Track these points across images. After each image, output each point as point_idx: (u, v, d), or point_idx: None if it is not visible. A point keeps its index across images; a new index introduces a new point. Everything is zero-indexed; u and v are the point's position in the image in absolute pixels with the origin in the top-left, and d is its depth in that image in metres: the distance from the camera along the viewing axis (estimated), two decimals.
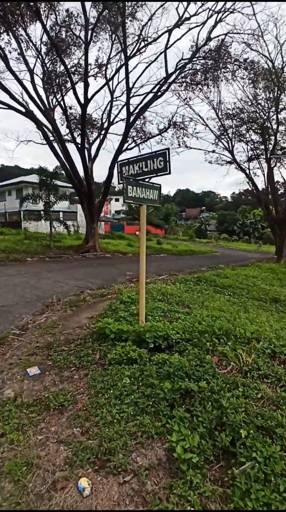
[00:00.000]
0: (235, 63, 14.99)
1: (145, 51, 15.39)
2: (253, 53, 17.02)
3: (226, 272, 10.65)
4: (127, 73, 13.83)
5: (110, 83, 17.34)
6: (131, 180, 3.63)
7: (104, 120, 18.55)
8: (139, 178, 3.77)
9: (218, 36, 14.05)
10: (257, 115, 21.44)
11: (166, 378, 2.80)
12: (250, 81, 20.28)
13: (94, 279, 9.12)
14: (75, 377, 3.15)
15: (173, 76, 14.59)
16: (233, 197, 78.84)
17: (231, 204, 78.17)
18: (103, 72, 17.14)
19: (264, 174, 25.09)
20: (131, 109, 15.15)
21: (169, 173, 3.54)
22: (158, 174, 3.68)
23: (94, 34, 14.50)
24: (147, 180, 3.86)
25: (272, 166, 23.67)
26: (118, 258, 15.82)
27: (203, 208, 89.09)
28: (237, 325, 3.86)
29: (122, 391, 2.71)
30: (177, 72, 14.73)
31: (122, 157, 17.84)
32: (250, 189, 28.67)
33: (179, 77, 15.02)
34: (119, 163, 4.08)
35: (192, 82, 15.29)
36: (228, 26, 14.47)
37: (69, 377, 3.16)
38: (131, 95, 15.01)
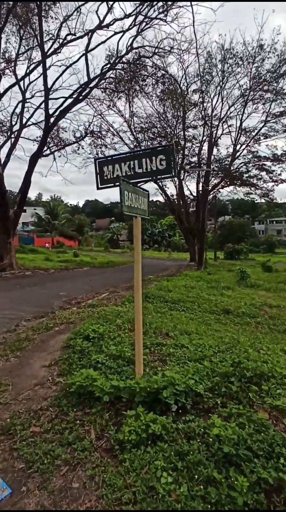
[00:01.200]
0: (153, 76, 15.27)
1: (60, 52, 14.15)
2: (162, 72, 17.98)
3: (164, 284, 10.34)
4: (45, 70, 12.41)
5: (21, 82, 15.47)
6: (128, 184, 2.69)
7: (13, 123, 16.40)
8: (131, 182, 2.86)
9: (137, 48, 14.00)
10: (166, 131, 22.64)
11: (226, 463, 1.96)
12: (158, 99, 21.38)
13: (25, 305, 7.45)
14: (75, 489, 1.98)
15: (95, 81, 13.85)
16: None
17: None
18: (12, 68, 15.14)
19: (175, 187, 26.73)
20: (50, 111, 13.69)
21: (174, 175, 2.77)
22: (157, 177, 2.86)
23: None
24: (139, 185, 2.99)
25: (181, 179, 25.34)
26: (41, 275, 13.88)
27: (112, 218, 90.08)
28: (253, 358, 3.28)
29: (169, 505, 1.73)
30: (98, 78, 14.06)
31: (42, 162, 16.00)
32: (163, 200, 30.19)
33: (101, 82, 14.38)
34: (98, 161, 3.05)
35: (115, 90, 14.86)
36: (146, 43, 14.62)
37: (65, 490, 1.98)
38: (49, 96, 13.58)
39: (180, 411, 2.52)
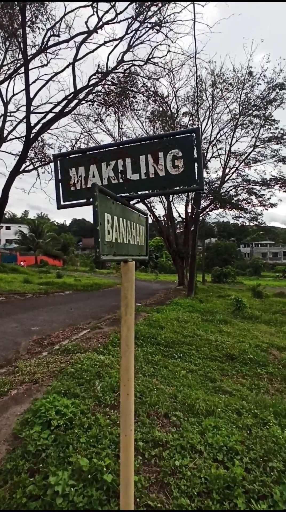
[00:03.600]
0: (143, 94, 14.64)
1: (48, 63, 13.35)
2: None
3: (155, 317, 9.01)
4: (27, 77, 11.42)
5: (4, 94, 14.47)
6: (112, 200, 1.46)
7: None
8: (118, 197, 1.61)
9: (128, 61, 13.35)
10: None
11: None
12: (148, 120, 21.00)
13: None
14: None
15: (83, 93, 12.98)
16: None
17: None
18: None
19: (164, 207, 26.02)
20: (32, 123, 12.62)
21: (202, 188, 1.57)
22: (168, 190, 1.65)
23: None
24: (133, 203, 1.77)
25: (170, 200, 24.70)
26: (15, 302, 12.26)
27: None
28: None
29: None
30: (86, 91, 13.23)
31: (27, 179, 14.77)
32: (151, 221, 29.38)
33: (89, 96, 13.54)
34: (60, 159, 1.80)
35: (104, 103, 14.03)
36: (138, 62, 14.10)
37: None
38: (32, 109, 12.57)
39: None
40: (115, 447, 2.51)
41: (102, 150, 1.70)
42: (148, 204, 24.42)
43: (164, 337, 6.78)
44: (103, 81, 13.25)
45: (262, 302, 16.94)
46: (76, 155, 1.79)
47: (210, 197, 22.76)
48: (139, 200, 1.87)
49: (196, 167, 1.56)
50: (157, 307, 11.51)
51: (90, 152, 1.73)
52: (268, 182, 22.68)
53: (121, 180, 1.67)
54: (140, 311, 10.37)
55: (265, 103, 21.13)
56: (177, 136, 1.59)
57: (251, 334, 8.22)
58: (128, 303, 1.69)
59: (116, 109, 15.80)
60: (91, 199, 1.34)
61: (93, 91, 13.54)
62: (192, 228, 21.09)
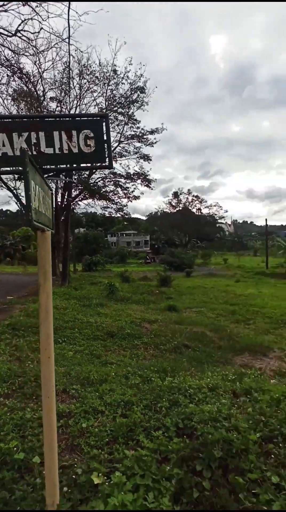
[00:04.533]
0: (9, 68, 13.15)
1: None
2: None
3: (32, 307, 8.62)
4: None
5: None
6: (37, 171, 1.46)
7: None
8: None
9: None
10: None
11: None
12: (11, 98, 19.03)
13: None
14: None
15: None
16: None
17: None
18: None
19: None
20: None
21: (111, 167, 1.75)
22: (80, 165, 1.76)
23: None
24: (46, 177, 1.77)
25: None
26: None
27: None
28: (202, 417, 2.53)
29: None
30: None
31: None
32: (18, 209, 26.88)
33: None
34: None
35: None
36: None
37: None
38: None
39: None
40: (19, 430, 2.46)
41: (16, 120, 1.64)
42: (15, 191, 22.23)
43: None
44: None
45: (130, 286, 18.65)
46: None
47: (80, 187, 22.90)
48: (53, 173, 1.89)
49: (105, 148, 1.76)
50: (32, 298, 10.93)
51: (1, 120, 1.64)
52: (132, 176, 24.75)
53: (35, 153, 1.68)
54: (13, 303, 9.60)
55: (128, 102, 22.75)
56: (89, 118, 1.74)
57: (126, 313, 9.06)
58: (46, 271, 1.75)
59: None
60: (22, 167, 1.33)
61: None
62: (63, 218, 20.73)
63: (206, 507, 1.76)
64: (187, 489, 1.85)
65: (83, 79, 21.01)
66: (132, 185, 25.88)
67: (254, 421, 2.37)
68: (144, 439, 2.32)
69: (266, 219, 39.65)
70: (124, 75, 22.30)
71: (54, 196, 21.29)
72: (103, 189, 24.97)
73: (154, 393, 3.14)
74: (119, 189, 25.31)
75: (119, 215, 29.93)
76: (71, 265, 32.40)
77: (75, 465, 2.14)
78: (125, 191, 25.42)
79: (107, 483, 1.86)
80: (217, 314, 9.90)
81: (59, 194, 22.19)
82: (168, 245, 57.89)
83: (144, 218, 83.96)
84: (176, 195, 64.07)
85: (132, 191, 26.07)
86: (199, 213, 63.25)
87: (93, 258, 39.38)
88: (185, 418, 2.45)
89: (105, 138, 1.74)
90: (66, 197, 20.50)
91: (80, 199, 24.01)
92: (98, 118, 1.78)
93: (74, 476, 2.02)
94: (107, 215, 28.92)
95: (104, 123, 1.76)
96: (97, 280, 20.45)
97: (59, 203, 22.59)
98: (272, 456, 2.06)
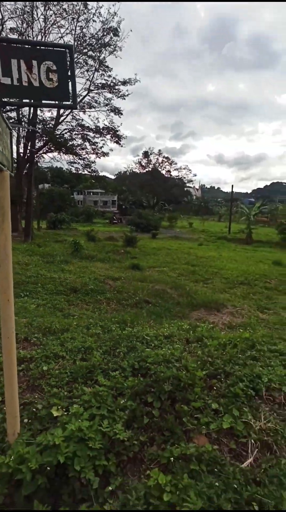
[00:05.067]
0: None
1: None
2: None
3: None
4: None
5: None
6: None
7: None
8: None
9: None
10: None
11: None
12: None
13: None
14: None
15: None
16: None
17: None
18: None
19: None
20: None
21: (75, 106, 1.64)
22: (41, 101, 1.62)
23: None
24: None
25: None
26: None
27: None
28: (155, 359, 2.74)
29: None
30: None
31: None
32: None
33: None
34: None
35: None
36: None
37: None
38: None
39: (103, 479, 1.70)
40: None
41: None
42: None
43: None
44: None
45: (96, 245, 18.57)
46: None
47: (45, 138, 21.27)
48: (11, 108, 1.75)
49: (70, 85, 1.65)
50: None
51: None
52: (101, 130, 23.39)
53: None
54: None
55: (99, 45, 20.74)
56: (52, 49, 1.59)
57: (90, 270, 9.13)
58: (4, 212, 1.70)
59: None
60: None
61: None
62: (26, 171, 19.41)
63: (154, 430, 2.02)
64: (139, 417, 2.09)
65: (49, 10, 18.64)
66: (101, 140, 24.55)
67: (202, 362, 2.66)
68: (102, 378, 2.51)
69: (232, 186, 40.45)
70: (95, 11, 20.03)
71: (15, 147, 19.67)
72: (70, 142, 23.49)
73: (113, 340, 3.33)
74: (87, 143, 23.95)
75: (87, 172, 28.66)
76: (35, 222, 31.13)
77: (36, 402, 2.28)
78: (94, 146, 24.14)
79: (65, 414, 2.03)
80: (179, 273, 10.34)
81: (22, 145, 20.55)
82: (136, 206, 57.36)
83: (112, 177, 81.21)
84: (146, 154, 62.38)
85: (101, 147, 24.81)
86: (169, 175, 62.68)
87: (58, 216, 38.03)
88: (140, 360, 2.66)
89: (69, 73, 1.62)
90: (29, 148, 19.04)
91: (44, 151, 22.45)
92: (63, 49, 1.63)
93: (34, 410, 2.17)
94: (74, 171, 27.46)
95: (68, 55, 1.63)
96: (62, 238, 20.01)
97: (22, 154, 20.96)
98: (215, 388, 2.36)
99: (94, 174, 29.18)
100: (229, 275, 10.18)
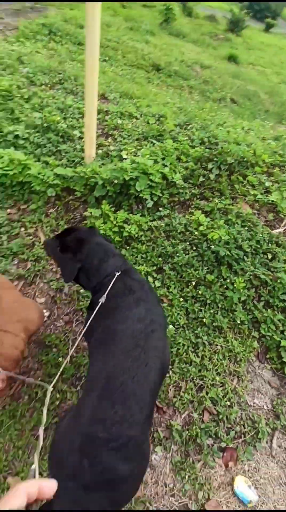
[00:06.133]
0: None
1: None
2: None
3: (67, 12, 7.22)
4: None
5: None
6: None
7: None
8: None
9: None
10: None
11: (216, 263, 1.86)
12: None
13: None
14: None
15: None
16: None
17: None
18: None
19: None
20: None
21: None
22: None
23: None
24: None
25: None
26: None
27: None
28: (225, 138, 2.64)
29: None
30: None
31: None
32: None
33: None
34: None
35: None
36: None
37: None
38: None
39: (155, 207, 2.08)
40: (61, 111, 2.76)
41: None
42: None
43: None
44: None
45: (191, 22, 14.64)
46: None
47: None
48: None
49: None
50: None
51: None
52: None
53: None
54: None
55: None
56: None
57: (178, 50, 7.71)
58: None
59: None
60: None
61: None
62: None
63: (206, 189, 2.27)
64: (196, 176, 2.30)
65: None
66: None
67: (272, 152, 2.55)
68: (171, 141, 2.59)
69: None
70: None
71: None
72: None
73: (189, 115, 3.23)
74: None
75: None
76: None
77: (109, 145, 2.56)
78: None
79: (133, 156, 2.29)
80: (281, 80, 8.41)
81: None
82: None
83: None
84: None
85: None
86: None
87: None
88: (211, 136, 2.63)
89: None
90: None
91: None
92: None
93: (107, 151, 2.47)
94: None
95: None
96: (151, 4, 15.76)
97: None
98: (273, 175, 2.38)
99: None
100: None
